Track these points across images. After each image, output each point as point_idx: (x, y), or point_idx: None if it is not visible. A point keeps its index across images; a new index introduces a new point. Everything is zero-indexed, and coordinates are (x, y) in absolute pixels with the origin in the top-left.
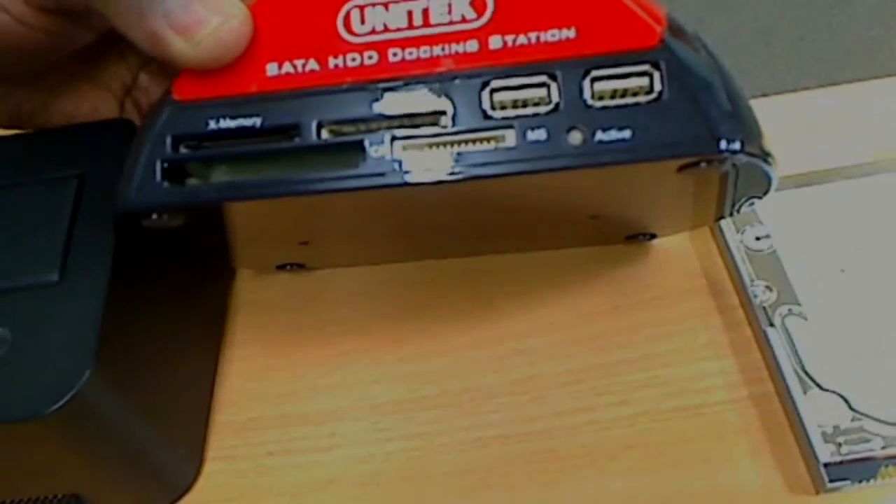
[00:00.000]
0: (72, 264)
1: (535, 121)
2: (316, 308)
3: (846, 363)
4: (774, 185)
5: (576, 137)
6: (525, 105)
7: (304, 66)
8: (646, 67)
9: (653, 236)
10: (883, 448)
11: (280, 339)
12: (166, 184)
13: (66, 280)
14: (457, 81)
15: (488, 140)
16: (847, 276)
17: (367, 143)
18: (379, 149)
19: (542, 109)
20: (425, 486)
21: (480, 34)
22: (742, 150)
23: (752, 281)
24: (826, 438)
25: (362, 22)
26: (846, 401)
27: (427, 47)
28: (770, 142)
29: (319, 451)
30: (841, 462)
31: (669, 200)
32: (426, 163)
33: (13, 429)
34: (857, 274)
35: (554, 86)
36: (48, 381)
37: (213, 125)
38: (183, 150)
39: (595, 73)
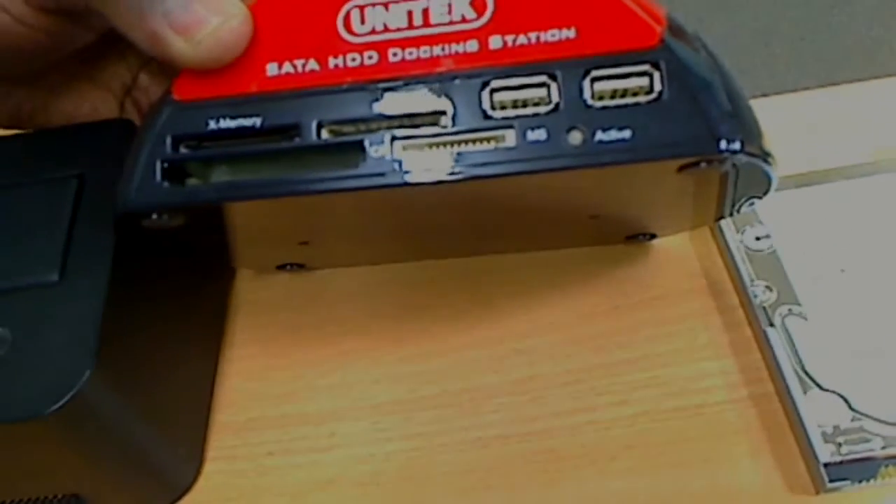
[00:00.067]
0: (72, 264)
1: (535, 121)
2: (316, 308)
3: (846, 363)
4: (774, 185)
5: (576, 137)
6: (525, 105)
7: (304, 66)
8: (646, 67)
9: (653, 236)
10: (883, 448)
11: (280, 339)
12: (166, 184)
13: (66, 280)
14: (457, 81)
15: (488, 140)
16: (847, 276)
17: (367, 143)
18: (379, 149)
19: (542, 109)
20: (425, 486)
21: (480, 34)
22: (742, 150)
23: (752, 281)
24: (826, 438)
25: (362, 22)
26: (846, 401)
27: (427, 47)
28: (770, 142)
29: (319, 451)
30: (841, 462)
31: (669, 200)
32: (426, 163)
33: (13, 429)
34: (857, 274)
35: (554, 86)
36: (48, 381)
37: (213, 125)
38: (183, 150)
39: (595, 73)
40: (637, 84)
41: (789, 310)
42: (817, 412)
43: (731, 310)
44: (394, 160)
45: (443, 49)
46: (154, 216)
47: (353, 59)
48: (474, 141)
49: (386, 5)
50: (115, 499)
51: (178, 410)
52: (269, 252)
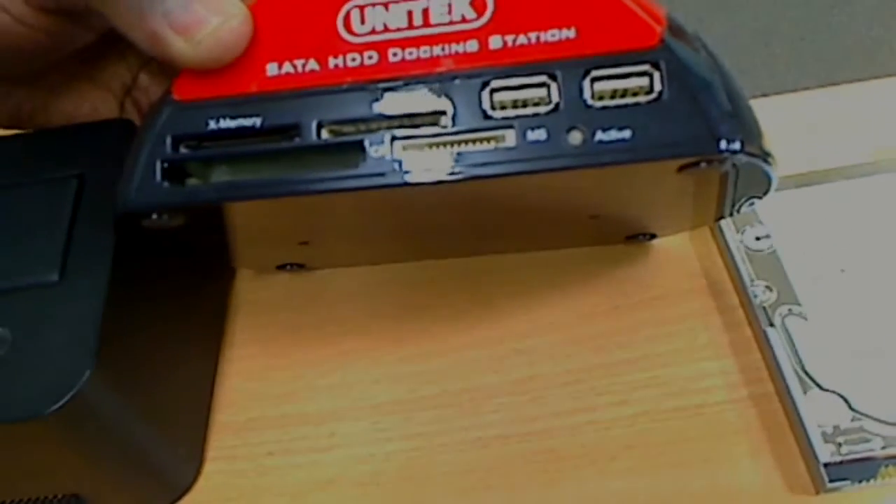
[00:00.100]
0: (72, 264)
1: (535, 121)
2: (316, 308)
3: (846, 363)
4: (774, 185)
5: (576, 137)
6: (525, 105)
7: (304, 66)
8: (646, 67)
9: (653, 236)
10: (883, 448)
11: (280, 339)
12: (166, 184)
13: (66, 280)
14: (457, 81)
15: (488, 140)
16: (847, 276)
17: (367, 143)
18: (379, 149)
19: (542, 109)
20: (425, 486)
21: (480, 34)
22: (742, 150)
23: (752, 281)
24: (826, 438)
25: (362, 22)
26: (846, 401)
27: (427, 47)
28: (770, 142)
29: (319, 451)
30: (841, 462)
31: (669, 200)
32: (426, 163)
33: (13, 429)
34: (857, 274)
35: (554, 86)
36: (48, 380)
37: (213, 125)
38: (183, 150)
39: (595, 73)
40: (637, 84)
41: (789, 310)
42: (817, 412)
43: (731, 310)
44: (394, 160)
45: (443, 49)
46: (154, 216)
47: (354, 59)
48: (474, 141)
49: (386, 5)
50: (115, 499)
51: (178, 410)
52: (269, 252)
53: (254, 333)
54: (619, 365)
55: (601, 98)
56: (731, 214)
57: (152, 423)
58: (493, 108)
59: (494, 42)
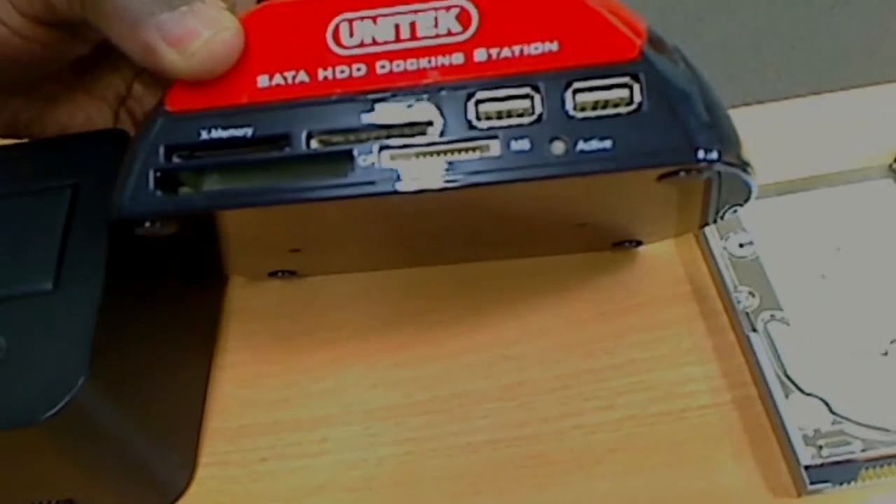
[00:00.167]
0: (66, 273)
1: (519, 131)
2: (307, 314)
3: (827, 367)
4: (755, 193)
5: (558, 147)
6: (510, 116)
7: (294, 77)
8: (626, 79)
9: (639, 243)
10: (863, 451)
11: (272, 345)
12: (159, 192)
13: (60, 288)
14: (443, 93)
15: (474, 150)
16: (828, 282)
17: (355, 153)
18: (367, 158)
19: (526, 120)
20: (416, 490)
21: (466, 47)
22: (719, 160)
23: (735, 287)
24: (807, 441)
25: (351, 35)
26: (827, 404)
27: (414, 60)
28: (756, 149)
29: (312, 456)
30: (822, 464)
31: (654, 208)
32: (413, 172)
33: (8, 435)
34: (838, 280)
35: (537, 97)
36: (43, 388)
37: (205, 135)
38: (175, 159)
39: (577, 84)
40: (618, 95)
41: (772, 315)
42: (799, 416)
43: (714, 315)
44: (382, 169)
45: (429, 61)
46: (147, 224)
47: (342, 72)
48: (460, 150)
49: (374, 19)
50: None
51: (172, 417)
52: (261, 259)
53: (246, 340)
54: (605, 370)
55: (583, 109)
56: (714, 221)
57: (146, 430)
58: (478, 118)
59: (479, 55)
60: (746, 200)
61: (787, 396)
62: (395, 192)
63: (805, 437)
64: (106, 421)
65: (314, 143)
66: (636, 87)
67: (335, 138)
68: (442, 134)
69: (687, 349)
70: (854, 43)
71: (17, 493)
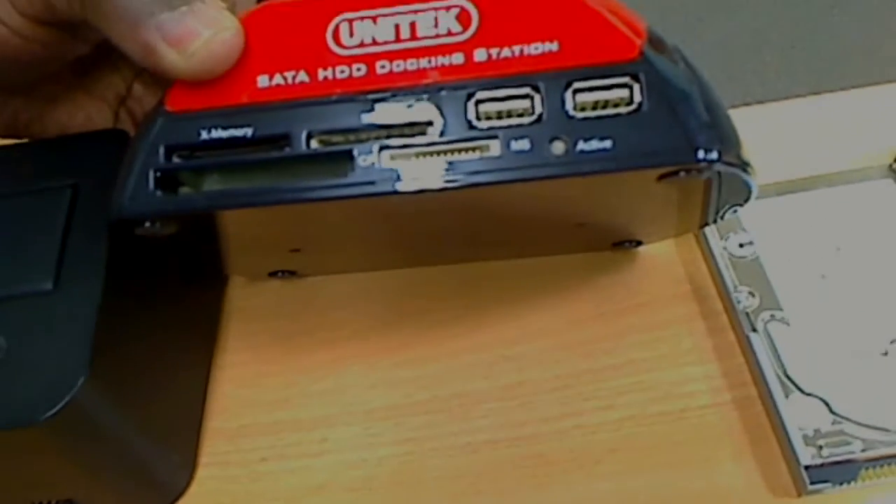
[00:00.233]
0: (66, 273)
1: (519, 131)
2: (307, 314)
3: (827, 367)
4: (755, 193)
5: (558, 147)
6: (510, 116)
7: (294, 77)
8: (626, 79)
9: (639, 243)
10: (863, 451)
11: (272, 345)
12: (159, 192)
13: (61, 288)
14: (443, 93)
15: (474, 150)
16: (828, 282)
17: (355, 153)
18: (367, 158)
19: (526, 120)
20: (416, 490)
21: (466, 47)
22: (719, 160)
23: (735, 287)
24: (807, 441)
25: (351, 35)
26: (827, 404)
27: (414, 60)
28: (757, 149)
29: (311, 456)
30: (822, 465)
31: (654, 208)
32: (413, 172)
33: (8, 435)
34: (838, 280)
35: (537, 97)
36: (43, 387)
37: (205, 135)
38: (176, 159)
39: (577, 84)
40: (618, 95)
41: (772, 315)
42: (799, 416)
43: (714, 315)
44: (382, 169)
45: (429, 61)
46: (147, 224)
47: (342, 72)
48: (460, 150)
49: (374, 19)
50: None
51: (172, 417)
52: (261, 259)
53: (246, 340)
54: (605, 370)
55: (583, 109)
56: (714, 221)
57: (146, 430)
58: (478, 118)
59: (479, 55)
60: (746, 200)
61: (787, 396)
62: (395, 192)
63: (805, 437)
64: (106, 421)
65: (314, 143)
66: (636, 87)
67: (335, 138)
68: (442, 134)
69: (687, 349)
70: (854, 43)
71: (17, 492)
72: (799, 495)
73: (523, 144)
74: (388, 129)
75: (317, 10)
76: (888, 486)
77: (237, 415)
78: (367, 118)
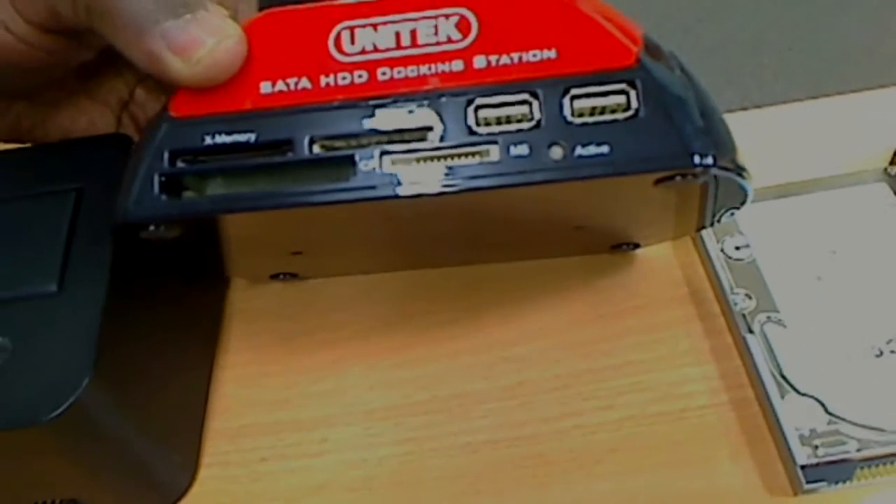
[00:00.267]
0: (70, 275)
1: (517, 136)
2: (308, 316)
3: (823, 368)
4: (751, 197)
5: (557, 152)
6: (508, 121)
7: (296, 84)
8: (623, 86)
9: (636, 246)
10: (858, 450)
11: (273, 346)
12: (163, 196)
13: (65, 290)
14: (443, 99)
15: (473, 155)
16: (823, 284)
17: (357, 158)
18: (369, 163)
19: (525, 126)
20: (416, 490)
21: (465, 54)
22: (714, 165)
23: (732, 289)
24: (803, 441)
25: (352, 42)
26: (822, 405)
27: (414, 66)
28: (752, 153)
29: (312, 456)
30: (818, 464)
31: (651, 212)
32: (414, 176)
33: (12, 436)
34: (833, 282)
35: (536, 103)
36: (47, 388)
37: (208, 140)
38: (180, 164)
39: (575, 91)
40: (615, 102)
41: (768, 317)
42: (795, 416)
43: (712, 317)
44: (383, 174)
45: (430, 68)
46: (151, 227)
47: (344, 78)
48: (460, 156)
49: (375, 26)
50: None
51: (174, 417)
52: (263, 262)
53: (247, 341)
54: (604, 371)
55: (581, 115)
56: (711, 224)
57: (149, 431)
58: (477, 124)
59: (479, 62)
60: (742, 204)
61: (783, 397)
62: (396, 197)
63: (801, 437)
64: (109, 421)
65: (316, 149)
66: (633, 93)
67: (337, 143)
68: (442, 139)
69: (685, 350)
70: (853, 44)
71: (20, 492)
72: (795, 494)
73: (522, 150)
74: (390, 135)
75: (319, 17)
76: (883, 486)
77: (238, 414)
78: (368, 124)
